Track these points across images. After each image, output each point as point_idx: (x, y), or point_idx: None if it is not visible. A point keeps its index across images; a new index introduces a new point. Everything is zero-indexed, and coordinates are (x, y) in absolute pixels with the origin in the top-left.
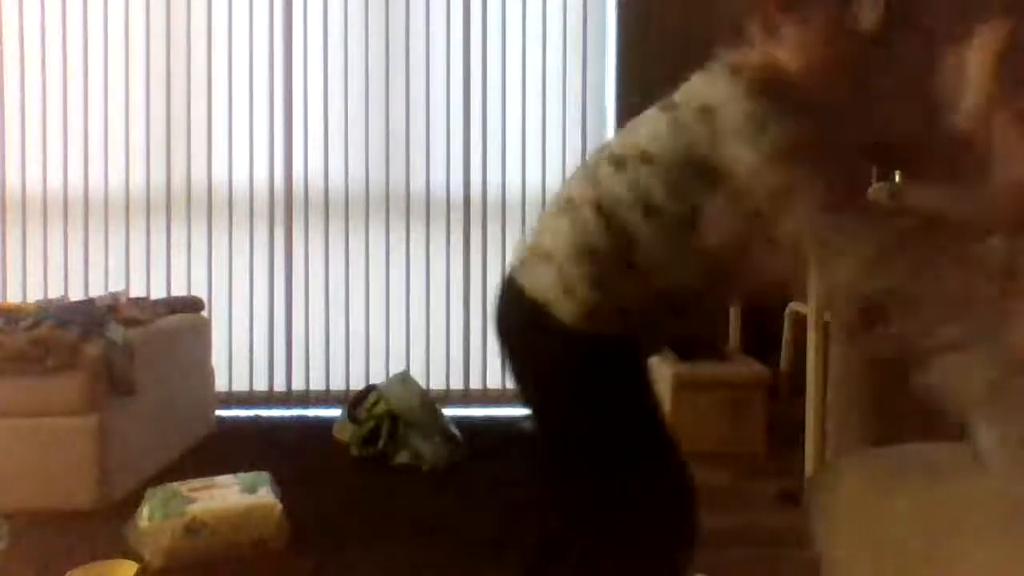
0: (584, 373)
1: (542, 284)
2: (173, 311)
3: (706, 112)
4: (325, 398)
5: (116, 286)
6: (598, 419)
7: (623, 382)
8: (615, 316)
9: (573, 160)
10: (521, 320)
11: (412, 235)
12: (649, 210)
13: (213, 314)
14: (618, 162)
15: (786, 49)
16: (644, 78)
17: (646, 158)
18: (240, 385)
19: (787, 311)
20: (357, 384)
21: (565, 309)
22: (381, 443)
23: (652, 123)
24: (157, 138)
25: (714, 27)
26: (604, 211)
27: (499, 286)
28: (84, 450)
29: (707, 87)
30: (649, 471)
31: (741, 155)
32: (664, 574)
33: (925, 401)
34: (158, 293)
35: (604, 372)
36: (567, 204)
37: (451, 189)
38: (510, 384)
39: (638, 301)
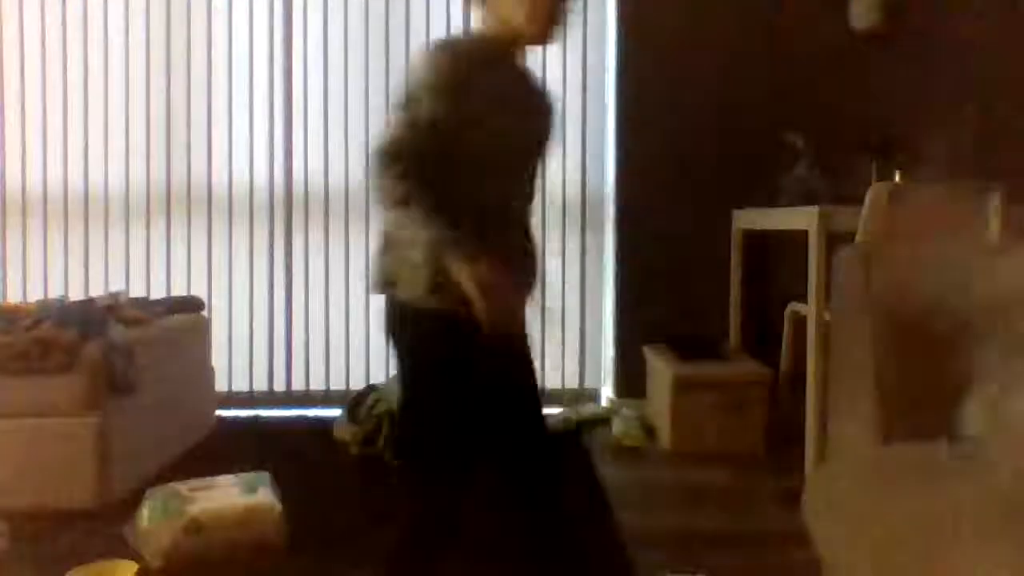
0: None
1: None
2: (173, 311)
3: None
4: (325, 398)
5: (116, 286)
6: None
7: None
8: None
9: (573, 159)
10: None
11: None
12: None
13: (213, 314)
14: None
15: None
16: (644, 78)
17: None
18: (240, 385)
19: (787, 311)
20: (357, 384)
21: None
22: (381, 443)
23: None
24: (157, 138)
25: (714, 25)
26: None
27: None
28: (84, 450)
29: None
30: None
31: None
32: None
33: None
34: (158, 293)
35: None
36: None
37: None
38: None
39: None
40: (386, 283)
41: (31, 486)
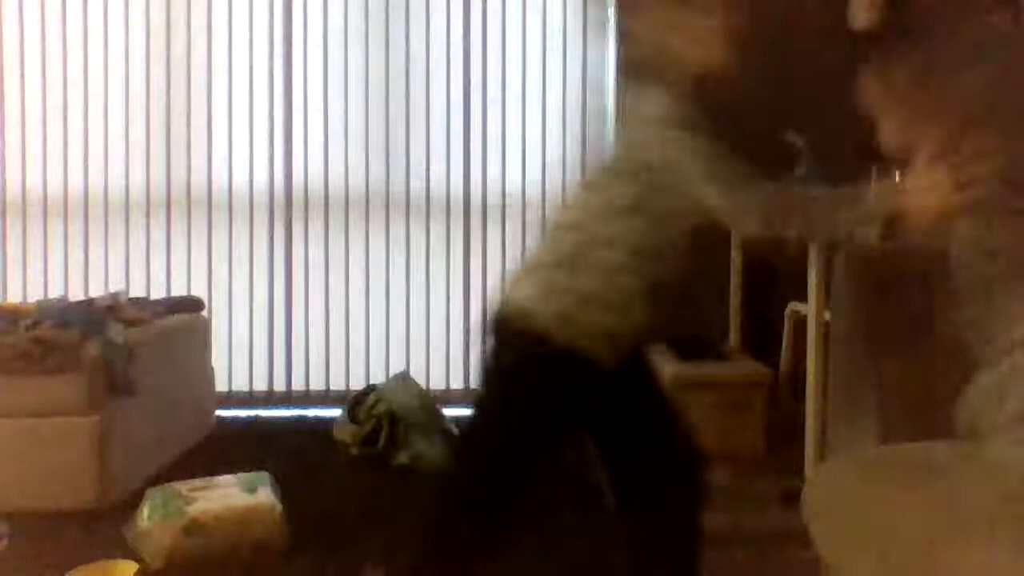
0: None
1: None
2: (173, 311)
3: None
4: (325, 398)
5: (116, 286)
6: None
7: None
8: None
9: (573, 160)
10: None
11: (412, 235)
12: None
13: (213, 314)
14: None
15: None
16: None
17: None
18: (240, 385)
19: (787, 311)
20: (357, 384)
21: None
22: (381, 443)
23: None
24: (157, 138)
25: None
26: None
27: None
28: (84, 450)
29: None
30: None
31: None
32: None
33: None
34: (158, 293)
35: None
36: None
37: (451, 189)
38: None
39: None
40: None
41: (31, 486)
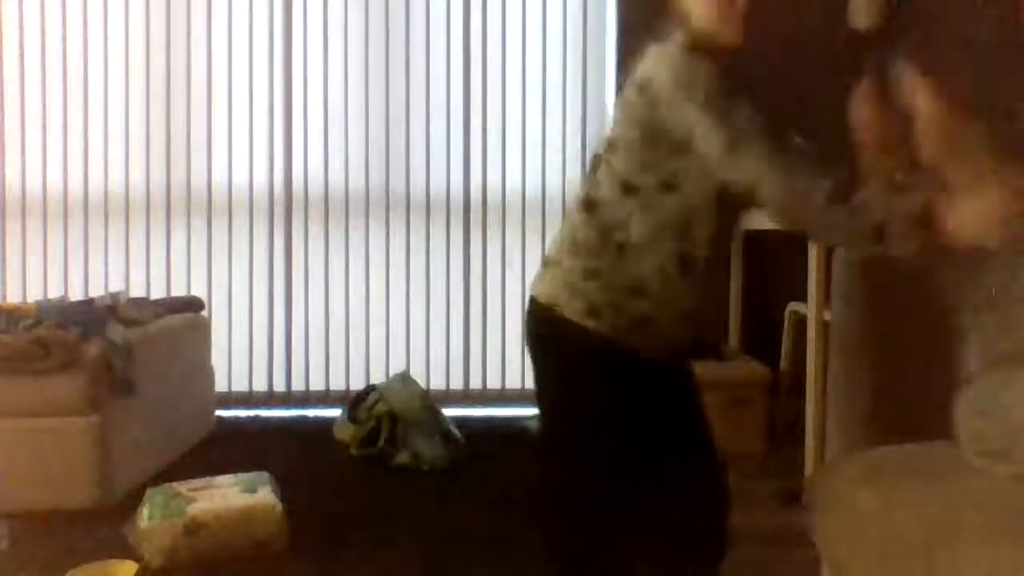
0: (592, 372)
1: (548, 288)
2: (173, 311)
3: (643, 85)
4: (325, 398)
5: (116, 286)
6: (610, 423)
7: (640, 397)
8: (627, 321)
9: (573, 160)
10: (536, 326)
11: (412, 235)
12: (627, 190)
13: (213, 314)
14: (596, 158)
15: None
16: None
17: (611, 147)
18: (240, 385)
19: (787, 311)
20: (357, 384)
21: (571, 307)
22: (381, 443)
23: (616, 112)
24: (157, 138)
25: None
26: (589, 205)
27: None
28: (84, 450)
29: (643, 62)
30: (672, 475)
31: (685, 117)
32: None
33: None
34: (158, 293)
35: (615, 377)
36: (568, 212)
37: (451, 189)
38: (510, 384)
39: (642, 295)
40: (545, 296)
41: (31, 486)
